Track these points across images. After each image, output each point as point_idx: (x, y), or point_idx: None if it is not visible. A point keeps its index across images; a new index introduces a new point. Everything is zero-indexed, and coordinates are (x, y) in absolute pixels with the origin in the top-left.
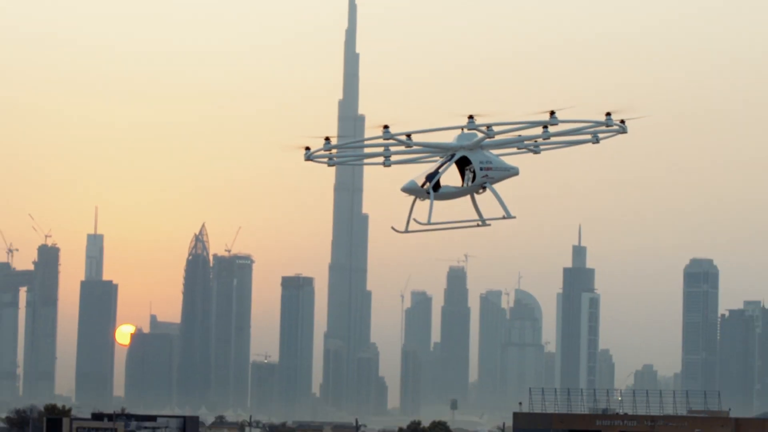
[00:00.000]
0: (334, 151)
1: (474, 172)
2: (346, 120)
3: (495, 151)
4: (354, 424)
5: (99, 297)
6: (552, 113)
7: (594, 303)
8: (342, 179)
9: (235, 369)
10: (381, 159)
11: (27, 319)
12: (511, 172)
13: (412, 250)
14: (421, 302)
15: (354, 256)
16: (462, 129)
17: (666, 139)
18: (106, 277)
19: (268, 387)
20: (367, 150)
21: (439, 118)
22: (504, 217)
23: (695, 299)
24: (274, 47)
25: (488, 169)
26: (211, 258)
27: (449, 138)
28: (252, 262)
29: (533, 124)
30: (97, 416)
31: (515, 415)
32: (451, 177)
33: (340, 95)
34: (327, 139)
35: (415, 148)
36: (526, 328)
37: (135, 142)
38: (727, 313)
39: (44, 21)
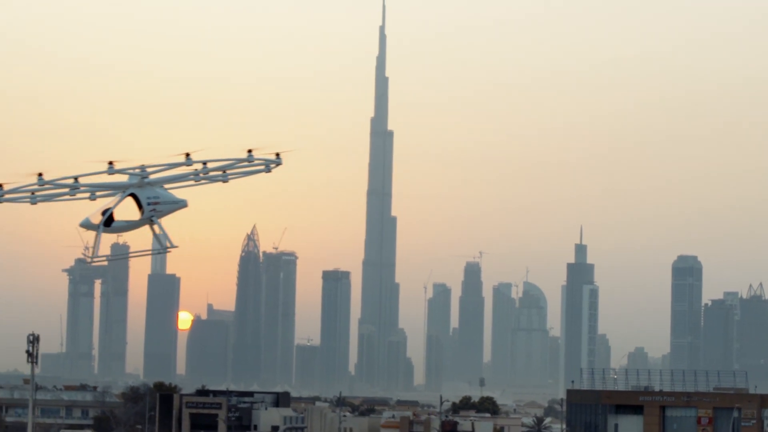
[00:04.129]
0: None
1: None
2: (377, 135)
3: (182, 184)
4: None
5: (163, 288)
6: (187, 155)
7: (593, 294)
8: (374, 185)
9: (282, 351)
10: (87, 195)
11: (101, 308)
12: (180, 205)
13: (434, 247)
14: (441, 293)
15: (384, 253)
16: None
17: (657, 152)
18: (169, 271)
19: (310, 366)
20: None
21: (78, 165)
22: (168, 247)
23: (682, 290)
24: (317, 73)
25: (156, 203)
26: (261, 255)
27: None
28: (296, 258)
29: (171, 166)
30: (202, 392)
31: (569, 391)
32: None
33: (371, 113)
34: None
35: (82, 188)
36: (533, 315)
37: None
38: (709, 303)
39: (101, 52)
